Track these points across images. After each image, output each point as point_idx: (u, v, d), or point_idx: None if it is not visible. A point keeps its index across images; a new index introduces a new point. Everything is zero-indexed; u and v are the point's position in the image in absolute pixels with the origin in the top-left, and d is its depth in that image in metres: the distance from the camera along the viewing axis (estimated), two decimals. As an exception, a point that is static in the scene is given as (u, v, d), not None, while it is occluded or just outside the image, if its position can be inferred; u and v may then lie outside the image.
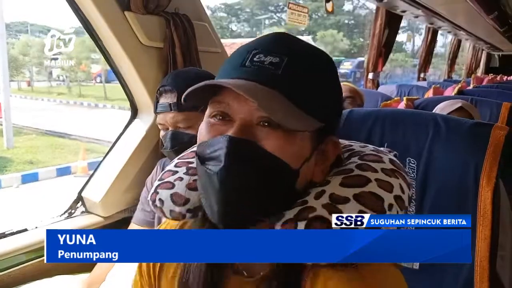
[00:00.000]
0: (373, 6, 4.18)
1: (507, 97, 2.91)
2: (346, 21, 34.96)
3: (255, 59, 0.61)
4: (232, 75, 0.62)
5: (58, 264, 1.56)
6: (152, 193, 0.73)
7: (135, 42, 1.68)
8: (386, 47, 4.22)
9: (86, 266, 1.56)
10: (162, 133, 1.38)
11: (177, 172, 0.74)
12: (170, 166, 0.77)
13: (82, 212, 1.76)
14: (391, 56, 4.39)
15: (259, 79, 0.59)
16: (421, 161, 1.09)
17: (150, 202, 0.73)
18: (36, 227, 1.59)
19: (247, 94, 0.56)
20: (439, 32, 6.32)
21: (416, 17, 4.46)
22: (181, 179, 0.72)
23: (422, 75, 6.10)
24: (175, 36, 1.72)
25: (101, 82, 21.32)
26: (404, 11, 4.02)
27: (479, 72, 9.52)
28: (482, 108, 2.32)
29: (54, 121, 13.95)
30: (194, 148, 0.74)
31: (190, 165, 0.75)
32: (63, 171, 9.39)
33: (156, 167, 1.60)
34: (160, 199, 0.71)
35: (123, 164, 1.72)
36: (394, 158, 0.70)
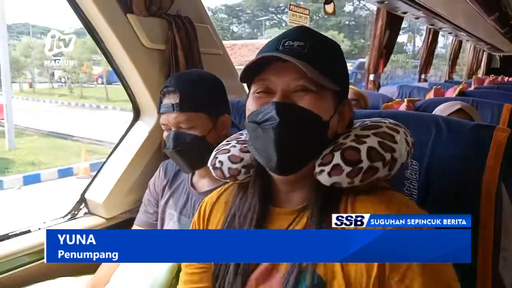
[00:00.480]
0: (373, 7, 4.18)
1: (509, 98, 2.90)
2: (347, 22, 34.96)
3: (285, 44, 0.82)
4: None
5: (61, 266, 1.57)
6: (212, 159, 0.97)
7: (138, 44, 1.69)
8: (387, 48, 4.22)
9: (90, 267, 1.56)
10: (165, 133, 1.39)
11: (229, 143, 0.98)
12: (224, 142, 1.00)
13: (85, 213, 1.77)
14: (392, 57, 4.39)
15: (292, 55, 0.79)
16: (423, 163, 1.10)
17: (210, 167, 0.97)
18: (39, 229, 1.59)
19: (291, 59, 0.77)
20: (440, 33, 6.32)
21: (417, 18, 4.45)
22: (234, 146, 0.96)
23: (423, 76, 6.09)
24: (177, 38, 1.73)
25: (102, 83, 21.32)
26: (405, 13, 4.02)
27: (480, 73, 9.50)
28: (483, 109, 2.32)
29: (56, 123, 13.96)
30: (239, 133, 1.03)
31: (238, 138, 1.00)
32: (65, 173, 9.40)
33: (159, 169, 1.60)
34: (220, 161, 0.94)
35: (125, 165, 1.73)
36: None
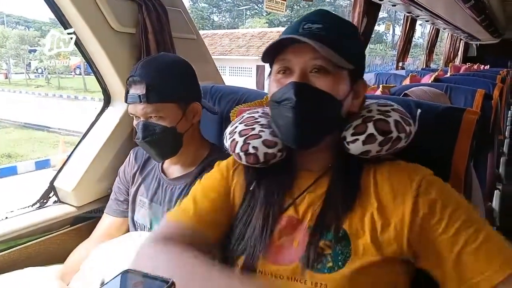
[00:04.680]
0: (353, -4, 4.16)
1: (483, 84, 2.93)
2: (328, 12, 35.00)
3: (305, 27, 0.89)
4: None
5: (29, 256, 1.53)
6: (243, 145, 0.98)
7: (106, 28, 1.64)
8: (364, 35, 4.22)
9: (58, 257, 1.54)
10: (135, 122, 1.35)
11: (254, 128, 1.01)
12: (241, 127, 1.03)
13: (55, 202, 1.72)
14: (371, 46, 4.40)
15: (310, 37, 0.85)
16: (394, 145, 1.09)
17: (242, 153, 0.98)
18: (6, 218, 1.55)
19: (307, 40, 0.83)
20: (418, 22, 6.36)
21: (394, 5, 4.46)
22: (263, 131, 0.99)
23: (400, 64, 6.13)
24: (147, 22, 1.68)
25: (80, 74, 21.03)
26: (382, 0, 4.02)
27: (457, 61, 9.63)
28: (458, 95, 2.34)
29: (32, 114, 13.73)
30: (246, 115, 1.08)
31: (260, 123, 1.02)
32: (43, 164, 9.28)
33: (129, 155, 1.57)
34: (254, 147, 0.97)
35: (96, 153, 1.68)
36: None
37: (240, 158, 0.99)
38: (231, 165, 1.07)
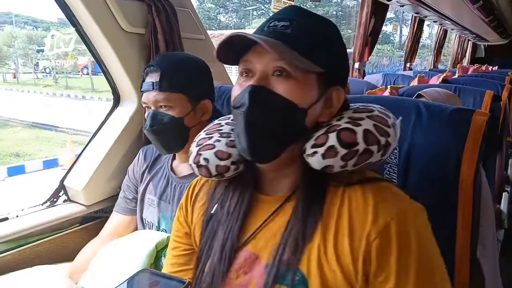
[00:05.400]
0: (360, -3, 4.16)
1: (491, 85, 2.92)
2: (334, 12, 34.96)
3: (271, 25, 0.80)
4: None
5: (39, 254, 1.55)
6: (194, 156, 0.90)
7: (116, 28, 1.65)
8: (372, 36, 4.21)
9: (68, 255, 1.55)
10: (146, 113, 1.38)
11: (212, 137, 0.91)
12: (201, 135, 0.94)
13: (65, 200, 1.74)
14: (378, 46, 4.40)
15: (272, 36, 0.76)
16: (403, 147, 1.09)
17: (194, 165, 0.90)
18: (17, 216, 1.57)
19: (260, 40, 0.72)
20: (426, 23, 6.34)
21: (402, 6, 4.45)
22: (218, 140, 0.90)
23: (408, 64, 6.11)
24: (157, 22, 1.69)
25: (87, 73, 21.12)
26: (390, 0, 4.01)
27: (465, 62, 9.59)
28: (466, 96, 2.33)
29: (40, 113, 13.79)
30: (216, 121, 0.98)
31: (221, 131, 0.93)
32: (50, 164, 9.31)
33: (138, 154, 1.58)
34: (205, 158, 0.88)
35: (105, 152, 1.70)
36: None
37: (194, 170, 0.91)
38: (189, 197, 1.00)
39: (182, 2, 1.92)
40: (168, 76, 1.31)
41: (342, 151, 0.76)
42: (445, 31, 7.74)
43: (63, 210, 1.66)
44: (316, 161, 0.78)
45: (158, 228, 1.45)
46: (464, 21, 6.34)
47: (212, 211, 0.91)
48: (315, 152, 0.77)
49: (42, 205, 1.68)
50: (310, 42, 0.78)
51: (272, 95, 0.76)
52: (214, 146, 0.88)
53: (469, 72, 5.40)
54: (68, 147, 9.32)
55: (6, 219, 1.54)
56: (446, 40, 8.25)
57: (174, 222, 1.02)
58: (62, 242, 1.62)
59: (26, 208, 1.63)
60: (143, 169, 1.52)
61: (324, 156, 0.77)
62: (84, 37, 1.68)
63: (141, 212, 1.50)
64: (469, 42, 9.75)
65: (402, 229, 0.73)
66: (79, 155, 1.78)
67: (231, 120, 0.96)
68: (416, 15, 5.53)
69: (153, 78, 1.32)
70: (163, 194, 1.44)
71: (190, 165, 0.91)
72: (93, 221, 1.71)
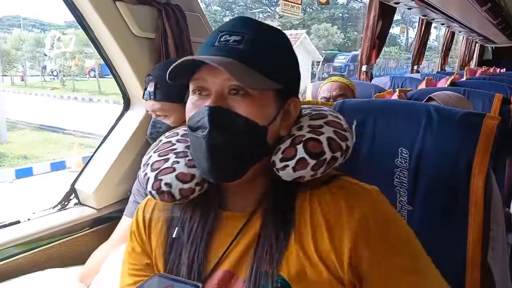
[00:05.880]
0: (367, -1, 4.17)
1: (500, 88, 2.91)
2: (340, 15, 34.94)
3: (221, 39, 0.75)
4: (205, 53, 0.75)
5: (50, 257, 1.56)
6: (154, 183, 0.82)
7: (127, 33, 1.67)
8: (379, 39, 4.21)
9: (79, 258, 1.56)
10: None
11: (168, 159, 0.85)
12: (153, 157, 0.86)
13: (75, 204, 1.75)
14: (385, 49, 4.41)
15: (224, 53, 0.73)
16: (413, 151, 1.09)
17: (154, 192, 0.82)
18: (28, 219, 1.58)
19: (215, 63, 0.69)
20: (433, 25, 6.32)
21: (410, 8, 4.45)
22: (177, 162, 0.84)
23: (415, 67, 6.10)
24: (167, 27, 1.71)
25: (94, 76, 21.23)
26: (397, 3, 4.01)
27: (473, 64, 9.53)
28: (475, 99, 2.32)
29: (48, 116, 13.87)
30: (164, 140, 0.91)
31: (175, 151, 0.87)
32: (58, 166, 9.36)
33: (148, 158, 1.59)
34: (166, 183, 0.81)
35: (116, 156, 1.71)
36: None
37: (154, 196, 0.84)
38: (141, 223, 0.91)
39: (191, 6, 1.93)
40: (162, 86, 1.35)
41: (312, 162, 0.77)
42: (453, 33, 7.71)
43: (74, 213, 1.68)
44: (287, 174, 0.78)
45: (168, 232, 1.45)
46: (472, 24, 6.32)
47: (174, 235, 0.85)
48: (286, 166, 0.77)
49: (53, 208, 1.70)
50: (265, 58, 0.76)
51: (232, 116, 0.73)
52: (174, 169, 0.83)
53: (477, 75, 5.38)
54: (75, 150, 9.37)
55: (18, 222, 1.56)
56: (453, 42, 8.22)
57: (126, 255, 0.94)
58: (73, 245, 1.63)
59: (38, 211, 1.64)
60: (153, 173, 1.53)
61: (295, 168, 0.77)
62: (94, 41, 1.69)
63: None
64: (477, 44, 9.71)
65: (377, 213, 0.77)
66: (90, 158, 1.79)
67: (182, 137, 0.92)
68: (423, 17, 5.52)
69: (150, 87, 1.37)
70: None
71: (150, 192, 0.84)
72: (103, 224, 1.72)
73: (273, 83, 0.75)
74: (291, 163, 0.77)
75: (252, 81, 0.72)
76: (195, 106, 0.77)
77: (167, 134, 0.94)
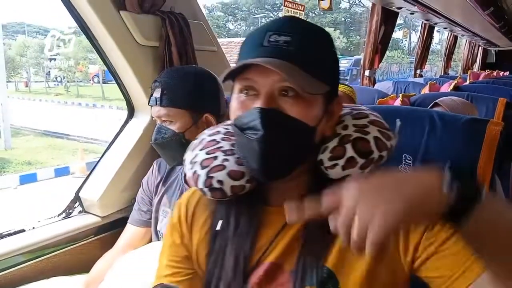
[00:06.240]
0: (369, 3, 4.17)
1: (503, 92, 2.91)
2: (343, 19, 34.98)
3: (271, 39, 0.74)
4: (255, 54, 0.74)
5: (55, 265, 1.56)
6: (206, 180, 0.84)
7: (131, 41, 1.68)
8: (382, 44, 4.21)
9: (84, 266, 1.56)
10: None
11: (217, 157, 0.87)
12: (201, 156, 0.88)
13: (80, 212, 1.76)
14: (388, 53, 4.40)
15: (275, 55, 0.72)
16: (417, 157, 1.10)
17: (206, 189, 0.85)
18: (33, 228, 1.59)
19: (274, 67, 0.69)
20: (436, 29, 6.32)
21: (412, 13, 4.45)
22: (227, 160, 0.86)
23: (418, 71, 6.09)
24: (171, 35, 1.71)
25: (98, 82, 21.30)
26: (400, 8, 4.01)
27: (476, 68, 9.51)
28: (478, 103, 2.32)
29: (52, 122, 13.92)
30: (208, 138, 0.93)
31: (222, 149, 0.89)
32: (62, 172, 9.38)
33: (152, 166, 1.60)
34: (218, 181, 0.83)
35: (120, 163, 1.72)
36: None
37: (205, 193, 0.87)
38: (183, 217, 0.94)
39: (195, 14, 1.94)
40: (168, 91, 1.35)
41: (361, 161, 0.79)
42: (455, 37, 7.70)
43: (79, 221, 1.68)
44: (335, 172, 0.80)
45: (173, 240, 1.45)
46: (475, 27, 6.31)
47: (218, 228, 0.88)
48: (335, 165, 0.79)
49: (58, 216, 1.70)
50: (315, 59, 0.76)
51: (284, 118, 0.74)
52: (224, 167, 0.85)
53: (480, 78, 5.37)
54: (79, 155, 9.38)
55: (23, 230, 1.56)
56: (456, 45, 8.21)
57: (165, 247, 0.97)
58: (78, 253, 1.63)
59: (42, 220, 1.65)
60: (157, 181, 1.54)
61: (344, 167, 0.79)
62: (98, 50, 1.70)
63: (156, 224, 1.51)
64: (480, 47, 9.69)
65: None
66: (94, 167, 1.80)
67: (225, 135, 0.93)
68: (426, 22, 5.52)
69: (157, 93, 1.37)
70: (177, 206, 1.45)
71: (201, 189, 0.86)
72: (108, 232, 1.73)
73: (324, 85, 0.76)
74: (341, 161, 0.79)
75: (307, 84, 0.72)
76: (242, 106, 0.77)
77: (207, 132, 0.97)
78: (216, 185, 0.84)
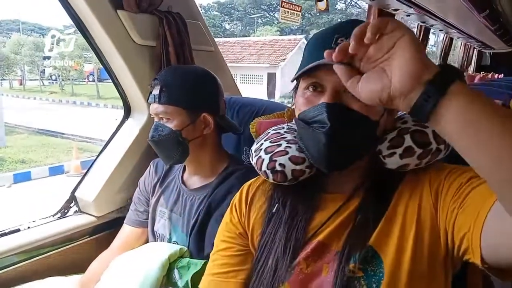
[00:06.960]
0: (365, 5, 4.17)
1: (499, 95, 2.91)
2: (339, 20, 35.03)
3: (338, 41, 0.80)
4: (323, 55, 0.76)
5: (50, 265, 1.55)
6: (269, 163, 0.93)
7: (128, 41, 1.67)
8: (378, 45, 4.22)
9: (79, 266, 1.55)
10: None
11: (280, 144, 0.96)
12: (266, 144, 0.99)
13: (75, 212, 1.75)
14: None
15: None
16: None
17: (268, 171, 0.93)
18: (28, 228, 1.58)
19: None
20: (431, 31, 6.34)
21: (408, 15, 4.45)
22: (289, 147, 0.94)
23: (414, 73, 6.09)
24: (168, 35, 1.71)
25: (93, 81, 21.25)
26: (396, 10, 4.01)
27: (471, 70, 9.55)
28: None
29: (46, 120, 13.88)
30: (272, 131, 1.04)
31: (285, 138, 0.98)
32: (56, 170, 9.36)
33: (149, 167, 1.59)
34: (280, 164, 0.92)
35: (116, 163, 1.71)
36: None
37: (267, 176, 0.94)
38: (244, 199, 1.04)
39: (192, 14, 1.93)
40: (167, 89, 1.35)
41: (419, 151, 0.83)
42: (451, 39, 7.73)
43: (74, 221, 1.67)
44: (393, 161, 0.85)
45: (169, 240, 1.45)
46: (470, 30, 6.33)
47: (274, 210, 0.96)
48: (393, 153, 0.85)
49: (53, 216, 1.69)
50: None
51: (350, 112, 0.80)
52: (287, 152, 0.93)
53: (476, 81, 5.39)
54: (73, 154, 9.36)
55: (18, 230, 1.55)
56: (452, 47, 8.24)
57: (223, 224, 1.06)
58: (73, 253, 1.62)
59: (38, 220, 1.64)
60: (154, 182, 1.53)
61: (402, 156, 0.84)
62: (95, 49, 1.69)
63: (153, 224, 1.51)
64: (475, 50, 9.73)
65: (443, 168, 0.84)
66: (90, 166, 1.79)
67: (288, 130, 1.03)
68: (422, 23, 5.53)
69: (156, 90, 1.37)
70: (174, 206, 1.45)
71: (264, 171, 0.94)
72: (103, 232, 1.72)
73: None
74: (399, 150, 0.84)
75: None
76: (308, 101, 0.84)
77: (272, 127, 1.07)
78: (278, 167, 0.92)
